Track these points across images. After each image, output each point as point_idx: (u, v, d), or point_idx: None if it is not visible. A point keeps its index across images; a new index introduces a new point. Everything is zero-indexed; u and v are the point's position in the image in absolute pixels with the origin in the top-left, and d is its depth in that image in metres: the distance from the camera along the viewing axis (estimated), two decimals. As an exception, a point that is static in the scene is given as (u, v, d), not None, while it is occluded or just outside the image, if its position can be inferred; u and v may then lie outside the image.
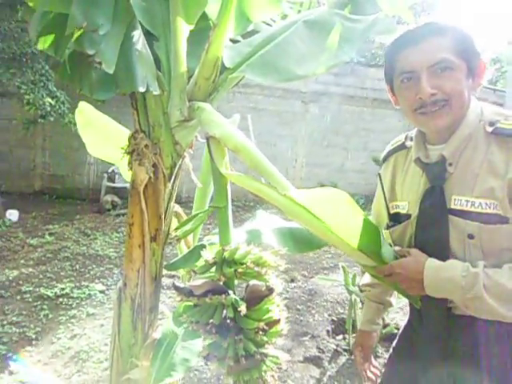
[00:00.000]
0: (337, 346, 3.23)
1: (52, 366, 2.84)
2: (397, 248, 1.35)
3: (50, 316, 3.53)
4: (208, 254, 1.18)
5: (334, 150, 9.91)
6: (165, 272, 1.69)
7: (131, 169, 1.59)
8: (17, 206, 7.29)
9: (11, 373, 2.68)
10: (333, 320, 3.68)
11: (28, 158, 9.20)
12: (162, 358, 1.70)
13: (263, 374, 1.24)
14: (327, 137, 9.84)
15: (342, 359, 3.01)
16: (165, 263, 1.70)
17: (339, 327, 3.54)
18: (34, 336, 3.27)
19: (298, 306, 3.96)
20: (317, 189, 1.17)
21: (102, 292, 3.99)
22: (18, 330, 3.31)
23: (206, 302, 1.16)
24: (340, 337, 3.41)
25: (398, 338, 1.69)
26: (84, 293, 4.02)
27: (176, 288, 1.17)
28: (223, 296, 1.15)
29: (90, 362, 2.82)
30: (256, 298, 1.24)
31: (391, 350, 1.72)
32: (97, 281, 4.34)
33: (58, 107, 5.99)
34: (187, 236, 1.24)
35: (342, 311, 3.85)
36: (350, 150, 10.02)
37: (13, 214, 6.83)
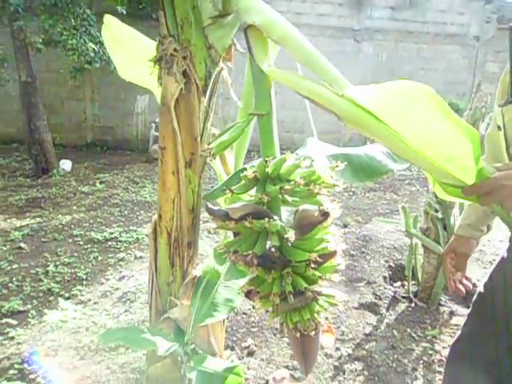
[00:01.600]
0: (394, 292, 3.00)
1: (101, 305, 2.86)
2: (498, 164, 1.04)
3: (100, 258, 3.57)
4: (247, 171, 0.95)
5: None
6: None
7: (161, 84, 1.37)
8: (70, 157, 7.47)
9: (62, 309, 2.73)
10: (390, 266, 3.42)
11: (79, 111, 9.35)
12: (203, 298, 1.55)
13: (315, 315, 1.03)
14: (382, 78, 9.09)
15: (401, 306, 2.78)
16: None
17: (397, 274, 3.28)
18: (84, 276, 3.29)
19: (352, 252, 3.72)
20: (384, 84, 0.89)
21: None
22: (70, 271, 3.37)
23: (245, 228, 0.95)
24: (398, 284, 3.16)
25: (489, 276, 1.44)
26: (132, 237, 4.03)
27: (209, 210, 0.96)
28: (266, 220, 0.93)
29: (136, 303, 2.81)
30: (307, 225, 1.01)
31: (477, 292, 1.48)
32: (144, 225, 4.34)
33: (101, 53, 5.86)
34: (224, 150, 1.02)
35: (399, 257, 3.57)
36: (407, 92, 9.24)
37: (66, 164, 7.01)
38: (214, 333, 1.58)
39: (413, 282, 2.94)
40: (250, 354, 2.23)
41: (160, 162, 1.43)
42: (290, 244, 0.98)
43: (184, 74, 1.27)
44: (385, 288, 3.02)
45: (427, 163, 0.97)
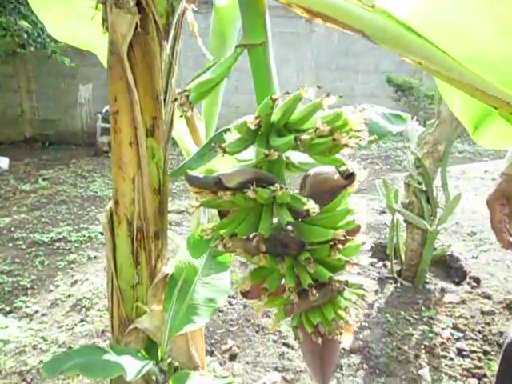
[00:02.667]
0: (378, 273, 2.82)
1: (51, 316, 2.46)
2: None
3: (47, 262, 3.16)
4: (248, 118, 0.66)
5: (343, 74, 9.12)
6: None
7: (107, 30, 1.05)
8: (7, 154, 6.77)
9: (2, 327, 2.31)
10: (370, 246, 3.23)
11: (14, 103, 8.55)
12: (179, 300, 1.25)
13: (342, 312, 0.77)
14: (335, 59, 9.01)
15: (390, 288, 2.60)
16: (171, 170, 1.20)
17: (377, 254, 3.10)
18: (28, 285, 2.88)
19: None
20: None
21: (103, 234, 3.57)
22: (10, 280, 2.92)
23: (246, 201, 0.67)
24: (380, 264, 2.99)
25: None
26: (83, 236, 3.60)
27: (191, 179, 0.67)
28: (277, 187, 0.66)
29: (93, 310, 2.44)
30: (327, 192, 0.75)
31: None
32: (97, 222, 3.92)
33: (36, 35, 5.27)
34: (205, 95, 0.72)
35: (378, 236, 3.40)
36: (360, 71, 9.22)
37: (2, 161, 6.33)
38: (194, 342, 1.29)
39: (395, 261, 2.78)
40: (233, 357, 1.96)
41: (112, 130, 1.11)
42: (307, 219, 0.72)
43: (139, 6, 0.96)
44: (368, 269, 2.85)
45: (488, 84, 0.72)
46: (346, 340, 0.82)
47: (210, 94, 1.51)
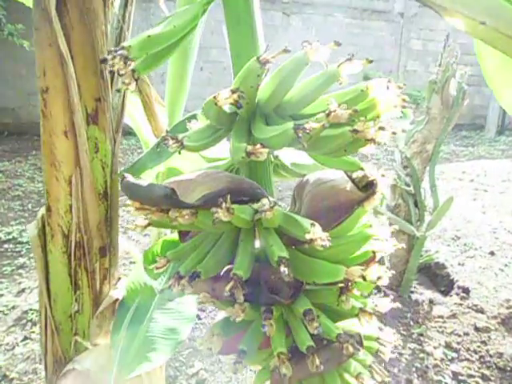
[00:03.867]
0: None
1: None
2: None
3: (-9, 267, 2.76)
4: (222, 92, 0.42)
5: (321, 68, 8.96)
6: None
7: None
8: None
9: None
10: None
11: (-31, 90, 7.93)
12: (131, 331, 1.00)
13: (353, 379, 0.55)
14: (312, 55, 8.81)
15: (373, 298, 2.37)
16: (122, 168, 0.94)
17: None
18: (-33, 294, 2.51)
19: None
20: None
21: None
22: None
23: (212, 224, 0.42)
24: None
25: None
26: (38, 236, 3.23)
27: (131, 188, 0.42)
28: (263, 204, 0.41)
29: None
30: (335, 209, 0.52)
31: None
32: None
33: (-10, 14, 4.81)
34: (158, 62, 0.47)
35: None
36: (336, 69, 9.06)
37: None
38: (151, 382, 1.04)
39: (377, 268, 2.57)
40: (201, 383, 1.70)
41: (41, 115, 0.84)
42: (303, 248, 0.49)
43: None
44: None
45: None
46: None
47: (175, 77, 1.25)
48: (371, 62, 0.48)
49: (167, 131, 0.41)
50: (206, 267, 0.46)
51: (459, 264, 2.61)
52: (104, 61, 0.41)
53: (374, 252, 0.53)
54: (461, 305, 2.11)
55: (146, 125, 1.07)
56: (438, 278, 2.49)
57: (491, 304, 2.12)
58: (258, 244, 0.51)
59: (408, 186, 2.22)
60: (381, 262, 0.57)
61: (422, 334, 1.96)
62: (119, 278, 1.03)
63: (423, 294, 2.32)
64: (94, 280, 0.95)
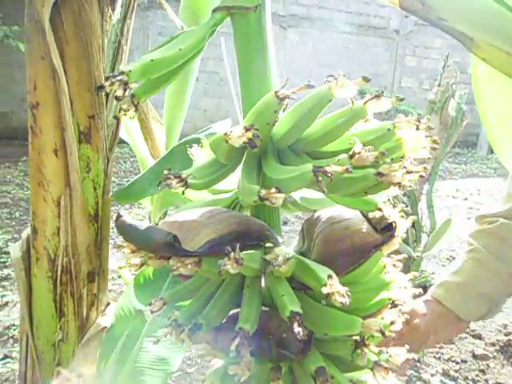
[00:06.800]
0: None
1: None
2: None
3: (-28, 279, 2.66)
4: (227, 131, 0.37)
5: (316, 82, 8.98)
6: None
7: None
8: None
9: None
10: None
11: (-39, 93, 7.82)
12: (119, 361, 0.93)
13: None
14: (308, 67, 8.85)
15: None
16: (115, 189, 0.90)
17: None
18: None
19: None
20: None
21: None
22: None
23: (218, 274, 0.37)
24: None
25: None
26: (25, 245, 3.13)
27: (123, 229, 0.37)
28: (276, 254, 0.36)
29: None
30: (350, 252, 0.47)
31: None
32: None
33: (-16, 18, 4.74)
34: (150, 93, 0.42)
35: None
36: (332, 83, 9.10)
37: None
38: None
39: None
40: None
41: (30, 131, 0.79)
42: (314, 294, 0.45)
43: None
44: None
45: None
46: None
47: (174, 92, 1.20)
48: (369, 80, 0.44)
49: (169, 169, 0.36)
50: (209, 318, 0.41)
51: (455, 286, 2.58)
52: (101, 88, 0.36)
53: (391, 300, 0.48)
54: (458, 329, 2.06)
55: (144, 142, 1.03)
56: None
57: (488, 329, 2.07)
58: (263, 284, 0.47)
59: (406, 206, 2.19)
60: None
61: (418, 360, 1.91)
62: (108, 304, 0.97)
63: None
64: (81, 307, 0.89)
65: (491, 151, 8.27)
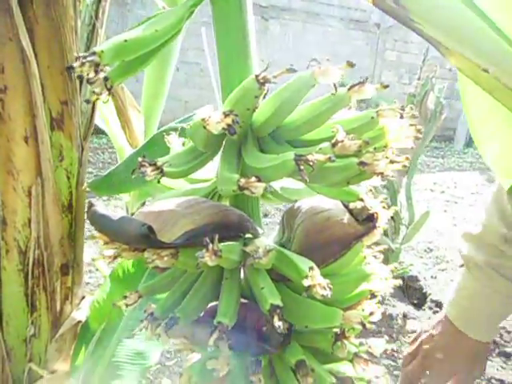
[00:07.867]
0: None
1: None
2: None
3: None
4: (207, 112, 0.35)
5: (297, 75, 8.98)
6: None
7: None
8: None
9: None
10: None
11: None
12: (95, 356, 0.91)
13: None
14: (289, 60, 8.84)
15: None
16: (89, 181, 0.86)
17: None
18: None
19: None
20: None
21: None
22: None
23: (195, 267, 0.35)
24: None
25: None
26: None
27: (96, 219, 0.34)
28: (257, 246, 0.35)
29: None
30: (331, 243, 0.45)
31: None
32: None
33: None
34: (125, 76, 0.40)
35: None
36: (313, 76, 9.12)
37: None
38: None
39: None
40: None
41: (-1, 117, 0.75)
42: (293, 286, 0.44)
43: None
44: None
45: None
46: None
47: (153, 80, 1.17)
48: (353, 65, 0.42)
49: (144, 156, 0.34)
50: (186, 311, 0.40)
51: (432, 277, 2.63)
52: (70, 68, 0.34)
53: (371, 292, 0.48)
54: (434, 319, 2.10)
55: (121, 130, 0.99)
56: (410, 290, 2.49)
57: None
58: (242, 275, 0.45)
59: (385, 198, 2.20)
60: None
61: (396, 351, 1.95)
62: (83, 297, 0.94)
63: (396, 306, 2.31)
64: (54, 300, 0.86)
65: (468, 145, 8.45)
